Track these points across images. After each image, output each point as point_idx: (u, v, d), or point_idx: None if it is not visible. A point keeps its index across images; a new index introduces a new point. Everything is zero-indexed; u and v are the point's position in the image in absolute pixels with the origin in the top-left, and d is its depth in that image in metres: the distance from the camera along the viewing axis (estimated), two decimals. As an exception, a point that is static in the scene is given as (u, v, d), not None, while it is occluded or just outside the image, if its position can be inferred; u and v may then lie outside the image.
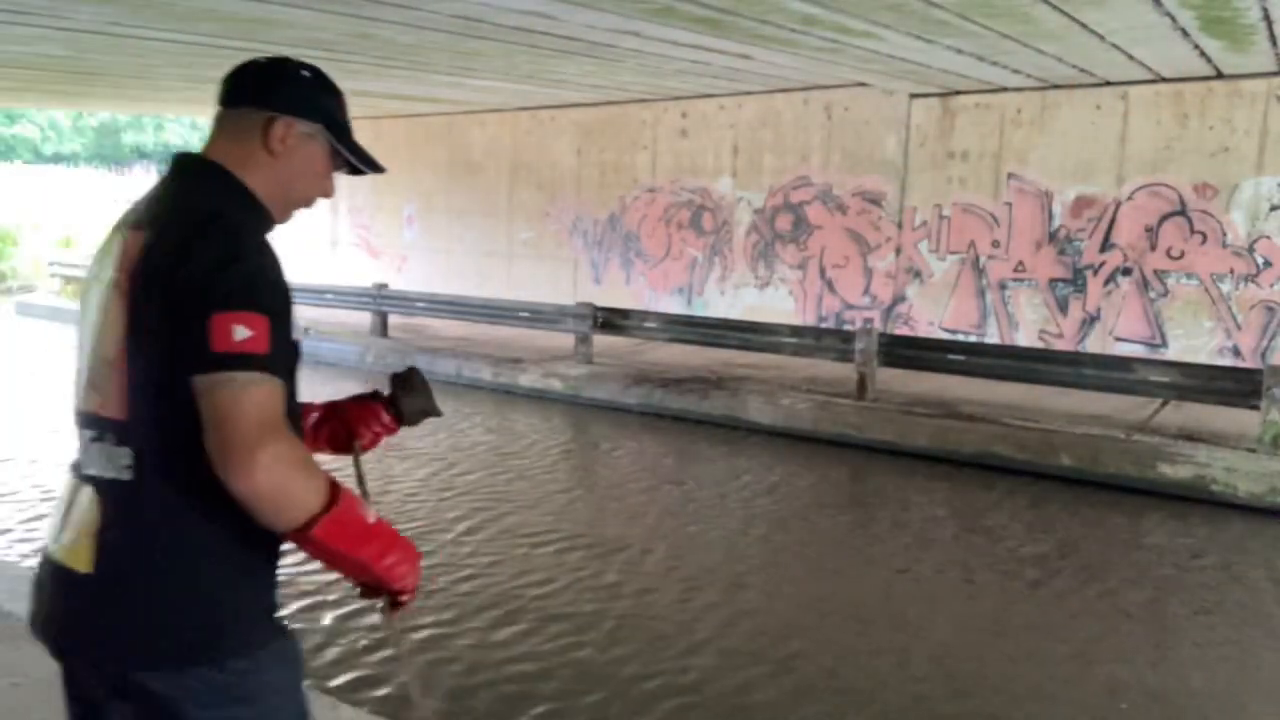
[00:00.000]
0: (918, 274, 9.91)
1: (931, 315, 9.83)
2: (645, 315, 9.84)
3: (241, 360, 1.27)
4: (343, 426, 1.74)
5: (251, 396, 1.27)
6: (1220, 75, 8.09)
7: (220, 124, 1.52)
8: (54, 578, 1.42)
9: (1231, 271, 8.31)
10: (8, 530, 5.36)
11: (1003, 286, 9.43)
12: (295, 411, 1.46)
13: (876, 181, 10.10)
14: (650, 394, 8.61)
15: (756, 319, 9.78)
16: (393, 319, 11.45)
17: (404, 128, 14.00)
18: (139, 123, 37.75)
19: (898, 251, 10.01)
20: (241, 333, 1.27)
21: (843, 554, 5.42)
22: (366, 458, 1.75)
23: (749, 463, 7.16)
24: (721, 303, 11.21)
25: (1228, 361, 8.15)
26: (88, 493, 1.39)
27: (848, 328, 9.73)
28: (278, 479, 1.27)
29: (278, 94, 1.50)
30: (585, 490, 6.65)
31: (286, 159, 1.50)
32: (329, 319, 11.98)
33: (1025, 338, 9.31)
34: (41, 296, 15.62)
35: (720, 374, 9.02)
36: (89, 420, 1.40)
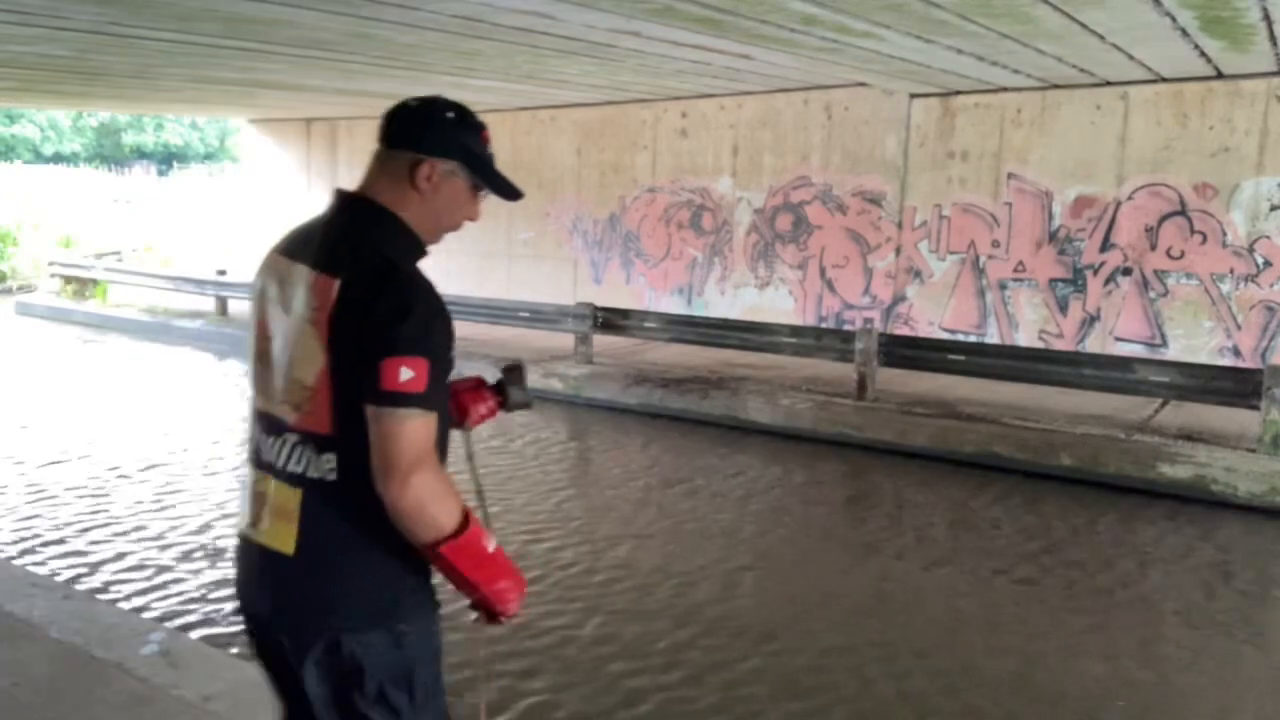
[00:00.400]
0: (918, 274, 9.91)
1: (931, 315, 9.83)
2: (645, 315, 9.84)
3: (404, 398, 1.55)
4: (454, 406, 1.92)
5: (409, 429, 1.55)
6: (1220, 75, 8.09)
7: (380, 162, 1.74)
8: (259, 558, 1.72)
9: (1231, 271, 8.31)
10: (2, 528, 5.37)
11: (1003, 286, 9.43)
12: (446, 421, 1.71)
13: (876, 181, 10.09)
14: (650, 394, 8.61)
15: (756, 319, 9.78)
16: (393, 319, 11.43)
17: (404, 128, 13.97)
18: (139, 123, 37.75)
19: (898, 251, 10.01)
20: (406, 374, 1.54)
21: (837, 552, 5.42)
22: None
23: (748, 462, 7.16)
24: (721, 303, 11.20)
25: (1228, 361, 8.15)
26: (284, 487, 1.68)
27: (848, 328, 9.73)
28: (421, 501, 1.56)
29: (423, 137, 1.71)
30: (580, 489, 6.64)
31: (433, 195, 1.72)
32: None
33: (1025, 338, 9.31)
34: (41, 296, 15.60)
35: (720, 374, 9.02)
36: (285, 428, 1.68)
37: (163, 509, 5.76)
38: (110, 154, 37.39)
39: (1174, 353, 8.46)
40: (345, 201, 1.73)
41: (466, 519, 1.61)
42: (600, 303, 10.07)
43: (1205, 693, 3.88)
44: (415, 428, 1.56)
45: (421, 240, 1.74)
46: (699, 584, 4.80)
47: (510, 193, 1.79)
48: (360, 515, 1.62)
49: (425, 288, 1.63)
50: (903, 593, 4.87)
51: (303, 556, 1.65)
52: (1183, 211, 8.49)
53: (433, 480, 1.57)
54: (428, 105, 1.74)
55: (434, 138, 1.70)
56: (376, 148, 1.75)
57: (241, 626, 1.82)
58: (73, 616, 3.62)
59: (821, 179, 10.44)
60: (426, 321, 1.59)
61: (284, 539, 1.67)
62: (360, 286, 1.59)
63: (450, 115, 1.73)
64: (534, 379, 9.36)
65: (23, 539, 5.22)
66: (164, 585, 4.67)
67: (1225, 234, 8.31)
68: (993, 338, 9.44)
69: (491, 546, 1.67)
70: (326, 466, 1.64)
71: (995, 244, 9.44)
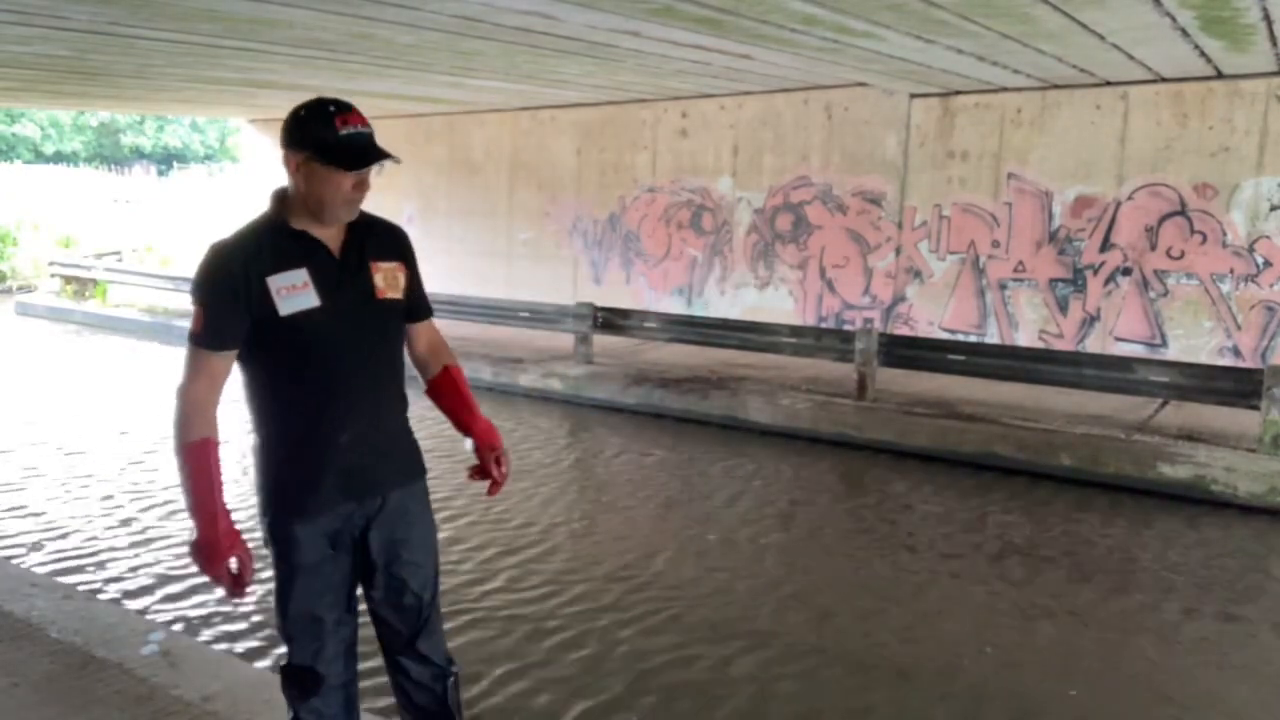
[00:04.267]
0: (918, 274, 9.91)
1: (931, 315, 9.83)
2: (645, 315, 9.83)
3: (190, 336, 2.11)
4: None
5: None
6: (1220, 75, 8.09)
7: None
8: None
9: (1231, 271, 8.31)
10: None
11: (1003, 286, 9.43)
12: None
13: (876, 181, 10.09)
14: (650, 394, 8.61)
15: (756, 319, 9.78)
16: (393, 319, 11.42)
17: (404, 128, 13.99)
18: (139, 123, 37.75)
19: (898, 251, 10.01)
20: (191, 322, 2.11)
21: (835, 552, 5.42)
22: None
23: (747, 462, 7.16)
24: (721, 303, 11.20)
25: (1228, 361, 8.15)
26: None
27: (848, 328, 9.73)
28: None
29: (284, 136, 2.08)
30: (579, 490, 6.64)
31: (302, 181, 2.08)
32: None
33: (1025, 338, 9.31)
34: (41, 296, 15.59)
35: (720, 374, 9.02)
36: None
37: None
38: (110, 154, 37.38)
39: (1174, 353, 8.46)
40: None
41: (196, 447, 2.00)
42: (600, 303, 10.07)
43: (1202, 692, 3.88)
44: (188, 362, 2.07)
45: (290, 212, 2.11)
46: (697, 584, 4.81)
47: (352, 161, 2.01)
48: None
49: (213, 248, 2.09)
50: (902, 592, 4.87)
51: None
52: (1183, 211, 8.49)
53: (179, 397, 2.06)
54: (293, 110, 2.07)
55: (287, 136, 2.05)
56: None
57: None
58: (73, 616, 3.62)
59: (821, 179, 10.43)
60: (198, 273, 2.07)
61: None
62: None
63: (301, 113, 2.04)
64: (534, 379, 9.41)
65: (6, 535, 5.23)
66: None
67: (1225, 234, 8.31)
68: (993, 338, 9.43)
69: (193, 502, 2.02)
70: None
71: (995, 244, 9.44)
